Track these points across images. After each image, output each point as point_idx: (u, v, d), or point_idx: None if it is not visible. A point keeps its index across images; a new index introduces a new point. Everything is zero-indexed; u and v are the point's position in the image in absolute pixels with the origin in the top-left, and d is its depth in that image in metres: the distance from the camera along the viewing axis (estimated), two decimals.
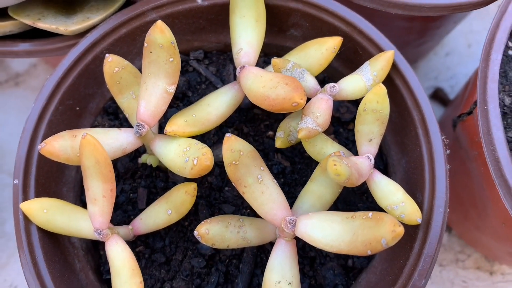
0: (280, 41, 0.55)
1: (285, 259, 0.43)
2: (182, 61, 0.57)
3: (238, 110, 0.56)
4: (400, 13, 0.49)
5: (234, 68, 0.57)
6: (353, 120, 0.55)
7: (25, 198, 0.46)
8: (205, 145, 0.43)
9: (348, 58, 0.51)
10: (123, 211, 0.53)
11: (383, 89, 0.43)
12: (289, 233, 0.42)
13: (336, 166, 0.38)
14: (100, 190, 0.42)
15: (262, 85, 0.44)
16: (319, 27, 0.51)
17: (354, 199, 0.53)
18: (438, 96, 0.79)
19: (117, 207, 0.53)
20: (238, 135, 0.55)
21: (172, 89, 0.44)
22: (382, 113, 0.44)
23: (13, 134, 0.84)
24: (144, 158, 0.51)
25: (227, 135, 0.41)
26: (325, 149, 0.45)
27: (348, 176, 0.39)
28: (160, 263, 0.51)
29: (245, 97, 0.56)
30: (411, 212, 0.43)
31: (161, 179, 0.53)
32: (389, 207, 0.43)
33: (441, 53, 0.84)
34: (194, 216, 0.52)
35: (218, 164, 0.54)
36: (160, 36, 0.43)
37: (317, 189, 0.45)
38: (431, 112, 0.46)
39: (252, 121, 0.56)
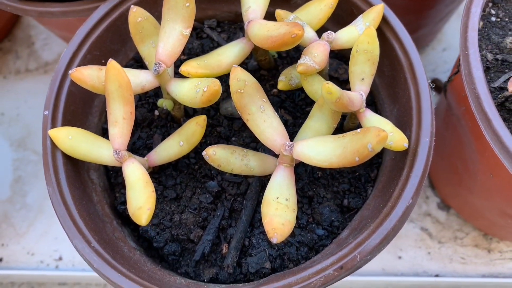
0: (285, 9, 0.61)
1: (284, 181, 0.48)
2: (196, 28, 0.64)
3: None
4: None
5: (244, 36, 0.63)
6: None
7: (53, 126, 0.52)
8: (217, 80, 0.48)
9: (346, 21, 0.56)
10: (140, 155, 0.58)
11: (372, 31, 0.49)
12: (287, 156, 0.47)
13: (328, 85, 0.43)
14: (121, 113, 0.47)
15: (266, 29, 0.50)
16: None
17: None
18: (434, 85, 0.84)
19: (134, 151, 0.58)
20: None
21: (187, 32, 0.51)
22: (372, 53, 0.49)
23: (40, 116, 0.91)
24: (160, 102, 0.56)
25: (234, 66, 0.47)
26: None
27: (339, 96, 0.44)
28: (171, 198, 0.55)
29: (252, 60, 0.62)
30: (399, 139, 0.47)
31: (174, 128, 0.59)
32: None
33: (439, 48, 0.90)
34: (203, 161, 0.57)
35: (227, 117, 0.59)
36: None
37: (314, 124, 0.50)
38: (417, 57, 0.51)
39: (259, 81, 0.61)
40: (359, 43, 0.49)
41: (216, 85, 0.47)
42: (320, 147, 0.45)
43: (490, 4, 0.59)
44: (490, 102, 0.48)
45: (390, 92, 0.56)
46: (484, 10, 0.59)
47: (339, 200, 0.55)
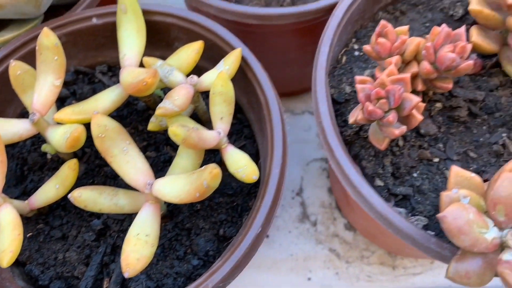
0: (169, 54, 0.66)
1: (147, 217, 0.51)
2: (88, 74, 0.68)
3: (135, 111, 0.66)
4: (254, 22, 0.61)
5: None
6: None
7: None
8: (82, 126, 0.52)
9: (216, 60, 0.61)
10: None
11: (224, 75, 0.53)
12: (149, 194, 0.51)
13: (173, 128, 0.47)
14: None
15: (131, 76, 0.55)
16: (194, 38, 0.61)
17: (230, 180, 0.61)
18: None
19: (26, 194, 0.61)
20: (134, 132, 0.64)
21: (58, 82, 0.55)
22: (227, 95, 0.54)
23: None
24: (43, 147, 0.60)
25: (94, 113, 0.51)
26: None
27: (184, 137, 0.48)
28: (57, 238, 0.58)
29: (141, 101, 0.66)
30: (250, 172, 0.51)
31: None
32: (235, 171, 0.52)
33: None
34: None
35: None
36: (46, 39, 0.53)
37: (181, 161, 0.54)
38: (272, 95, 0.55)
39: (147, 120, 0.65)
40: (214, 86, 0.54)
41: (77, 131, 0.50)
42: (174, 185, 0.49)
43: (354, 40, 0.64)
44: (333, 134, 0.52)
45: (259, 127, 0.60)
46: (347, 46, 0.64)
47: (216, 230, 0.58)
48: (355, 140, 0.57)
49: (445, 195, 0.46)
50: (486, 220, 0.43)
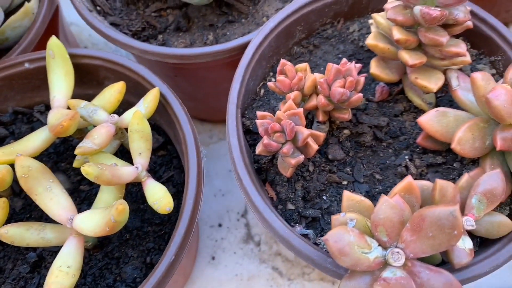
0: (100, 92, 0.70)
1: (70, 250, 0.55)
2: (26, 114, 0.72)
3: (71, 147, 0.70)
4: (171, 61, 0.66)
5: None
6: (160, 147, 0.69)
7: None
8: (8, 167, 0.56)
9: (142, 96, 0.65)
10: None
11: (139, 114, 0.57)
12: (70, 228, 0.54)
13: (85, 167, 0.51)
14: None
15: (55, 118, 0.59)
16: (120, 78, 0.66)
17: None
18: None
19: None
20: (69, 167, 0.68)
21: None
22: (144, 132, 0.58)
23: None
24: None
25: (17, 155, 0.55)
26: (105, 163, 0.58)
27: (96, 175, 0.52)
28: None
29: None
30: (164, 204, 0.55)
31: None
32: (152, 203, 0.56)
33: None
34: None
35: None
36: None
37: (102, 196, 0.58)
38: (189, 130, 0.60)
39: None
40: (131, 125, 0.58)
41: (1, 173, 0.54)
42: (89, 220, 0.53)
43: (271, 73, 0.69)
44: (242, 165, 0.56)
45: (183, 158, 0.65)
46: (265, 79, 0.68)
47: (144, 258, 0.62)
48: (270, 168, 0.62)
49: (334, 219, 0.50)
50: (370, 240, 0.47)
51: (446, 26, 0.56)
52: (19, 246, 0.56)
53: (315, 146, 0.54)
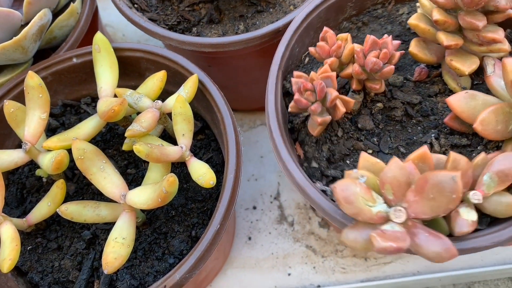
0: (141, 82, 0.75)
1: (123, 223, 0.60)
2: (74, 106, 0.78)
3: (116, 135, 0.76)
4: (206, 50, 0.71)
5: None
6: (199, 132, 0.74)
7: None
8: (65, 151, 0.62)
9: (180, 84, 0.70)
10: None
11: (181, 98, 0.62)
12: (124, 203, 0.60)
13: (136, 146, 0.56)
14: None
15: (105, 105, 0.64)
16: (161, 68, 0.71)
17: (200, 188, 0.70)
18: None
19: (25, 213, 0.71)
20: (116, 153, 0.74)
21: (44, 116, 0.65)
22: (186, 114, 0.63)
23: None
24: (37, 172, 0.70)
25: (73, 138, 0.60)
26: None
27: (147, 153, 0.57)
28: (53, 249, 0.68)
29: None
30: (208, 178, 0.60)
31: None
32: (197, 179, 0.61)
33: None
34: None
35: None
36: (31, 80, 0.64)
37: (151, 175, 0.63)
38: (226, 113, 0.64)
39: None
40: (175, 108, 0.63)
41: (60, 156, 0.60)
42: (141, 194, 0.58)
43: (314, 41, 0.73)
44: (274, 119, 0.61)
45: (220, 140, 0.69)
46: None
47: (189, 232, 0.67)
48: (301, 128, 0.66)
49: (347, 174, 0.53)
50: (376, 196, 0.49)
51: (487, 12, 0.58)
52: (77, 221, 0.61)
53: (342, 109, 0.58)
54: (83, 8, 0.79)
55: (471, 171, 0.53)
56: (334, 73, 0.58)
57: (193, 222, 0.67)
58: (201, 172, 0.61)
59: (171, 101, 0.66)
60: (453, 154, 0.52)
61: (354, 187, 0.48)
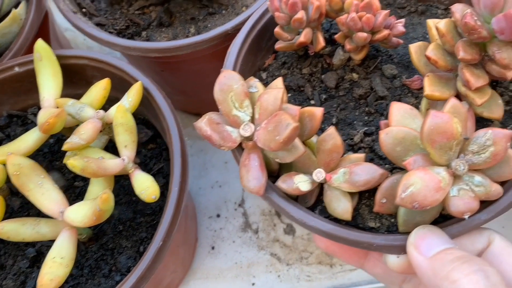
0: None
1: (63, 242, 0.57)
2: (21, 116, 0.75)
3: None
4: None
5: None
6: (150, 141, 0.71)
7: None
8: (1, 165, 0.59)
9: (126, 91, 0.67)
10: None
11: (122, 107, 0.59)
12: (62, 220, 0.57)
13: (70, 160, 0.53)
14: None
15: (44, 117, 0.61)
16: (107, 75, 0.68)
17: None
18: None
19: None
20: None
21: None
22: (128, 125, 0.60)
23: None
24: None
25: (8, 153, 0.57)
26: (92, 157, 0.60)
27: (82, 167, 0.54)
28: None
29: None
30: (151, 192, 0.57)
31: None
32: (140, 193, 0.58)
33: None
34: None
35: None
36: None
37: (92, 189, 0.60)
38: (172, 121, 0.62)
39: None
40: (115, 118, 0.60)
41: None
42: (78, 211, 0.55)
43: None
44: None
45: (169, 149, 0.66)
46: None
47: (137, 248, 0.64)
48: None
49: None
50: (246, 104, 0.54)
51: None
52: (15, 241, 0.58)
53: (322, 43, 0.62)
54: (28, 14, 0.76)
55: None
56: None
57: (142, 237, 0.64)
58: (144, 186, 0.58)
59: (113, 110, 0.63)
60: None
61: (235, 86, 0.53)
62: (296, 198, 0.60)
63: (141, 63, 0.72)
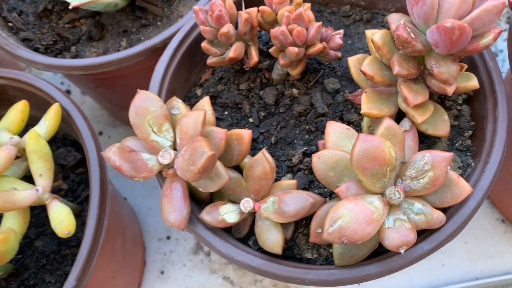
0: None
1: None
2: None
3: None
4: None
5: None
6: (78, 164, 0.66)
7: None
8: None
9: None
10: None
11: (34, 133, 0.54)
12: None
13: None
14: None
15: None
16: (28, 96, 0.63)
17: (76, 231, 0.61)
18: None
19: None
20: None
21: None
22: (41, 151, 0.55)
23: None
24: None
25: None
26: (4, 187, 0.55)
27: None
28: None
29: None
30: (64, 227, 0.52)
31: None
32: (54, 227, 0.53)
33: None
34: None
35: None
36: None
37: (6, 222, 0.55)
38: (92, 147, 0.56)
39: None
40: (28, 145, 0.55)
41: None
42: None
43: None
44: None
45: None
46: None
47: (61, 283, 0.59)
48: None
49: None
50: (166, 128, 0.50)
51: None
52: None
53: (255, 58, 0.58)
54: None
55: None
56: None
57: (67, 271, 0.59)
58: (60, 219, 0.53)
59: (27, 136, 0.57)
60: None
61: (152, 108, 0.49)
62: (230, 228, 0.55)
63: (77, 80, 0.67)
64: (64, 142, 0.68)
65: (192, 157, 0.45)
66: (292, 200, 0.48)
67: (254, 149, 0.58)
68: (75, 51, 0.68)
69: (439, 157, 0.45)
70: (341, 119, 0.59)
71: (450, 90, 0.49)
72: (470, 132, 0.56)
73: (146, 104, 0.49)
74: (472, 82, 0.51)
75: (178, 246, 0.85)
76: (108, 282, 0.65)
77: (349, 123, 0.58)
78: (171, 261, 0.84)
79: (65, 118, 0.59)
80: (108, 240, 0.61)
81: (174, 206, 0.49)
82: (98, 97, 0.77)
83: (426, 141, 0.57)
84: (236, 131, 0.51)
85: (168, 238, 0.86)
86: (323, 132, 0.58)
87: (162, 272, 0.83)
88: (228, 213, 0.50)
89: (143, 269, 0.82)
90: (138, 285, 0.80)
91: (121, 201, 0.75)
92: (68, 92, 0.98)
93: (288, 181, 0.51)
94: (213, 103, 0.63)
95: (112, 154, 0.46)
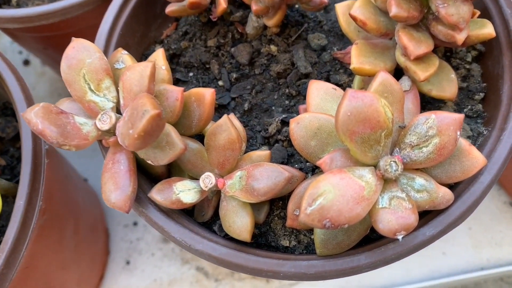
0: None
1: None
2: None
3: None
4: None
5: None
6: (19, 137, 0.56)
7: None
8: None
9: None
10: None
11: None
12: None
13: None
14: None
15: None
16: None
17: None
18: None
19: None
20: None
21: None
22: None
23: None
24: None
25: None
26: None
27: None
28: None
29: None
30: None
31: None
32: None
33: None
34: None
35: None
36: None
37: None
38: (24, 108, 0.46)
39: None
40: None
41: None
42: None
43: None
44: None
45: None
46: None
47: None
48: None
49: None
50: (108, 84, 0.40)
51: None
52: None
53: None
54: None
55: None
56: None
57: None
58: None
59: None
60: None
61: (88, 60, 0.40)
62: (192, 210, 0.45)
63: (27, 41, 0.57)
64: (4, 111, 0.58)
65: (131, 118, 0.35)
66: (263, 174, 0.38)
67: None
68: (16, 4, 0.58)
69: (447, 119, 0.36)
70: (328, 81, 0.49)
71: (460, 38, 0.39)
72: (482, 95, 0.47)
73: (80, 55, 0.39)
74: (487, 29, 0.41)
75: (146, 233, 0.76)
76: (57, 274, 0.56)
77: (337, 85, 0.48)
78: (138, 250, 0.75)
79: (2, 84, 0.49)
80: (51, 226, 0.51)
81: (117, 183, 0.39)
82: (52, 64, 0.67)
83: (428, 106, 0.47)
84: (195, 90, 0.41)
85: (135, 224, 0.77)
86: (305, 97, 0.49)
87: (128, 262, 0.74)
88: (184, 192, 0.40)
89: (105, 259, 0.73)
90: (99, 277, 0.71)
91: (76, 182, 0.65)
92: (26, 62, 0.87)
93: (259, 152, 0.41)
94: (176, 63, 0.53)
95: (33, 115, 0.36)
